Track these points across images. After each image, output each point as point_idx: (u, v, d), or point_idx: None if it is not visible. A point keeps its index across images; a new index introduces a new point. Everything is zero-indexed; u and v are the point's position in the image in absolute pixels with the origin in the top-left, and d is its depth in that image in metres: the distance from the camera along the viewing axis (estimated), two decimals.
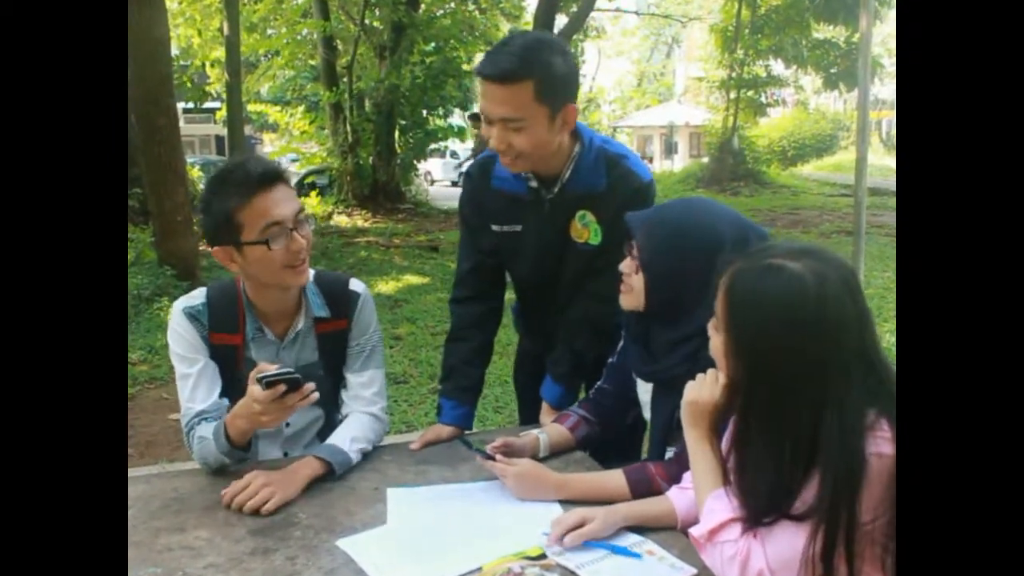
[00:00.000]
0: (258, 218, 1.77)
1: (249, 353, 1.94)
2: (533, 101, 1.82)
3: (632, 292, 1.76)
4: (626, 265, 1.77)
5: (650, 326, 1.80)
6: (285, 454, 2.03)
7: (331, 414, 2.08)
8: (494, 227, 2.14)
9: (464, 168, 2.34)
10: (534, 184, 2.04)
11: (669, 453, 1.79)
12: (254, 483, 1.70)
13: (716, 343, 1.38)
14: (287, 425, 2.01)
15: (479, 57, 21.64)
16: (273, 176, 1.80)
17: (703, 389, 1.45)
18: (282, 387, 1.66)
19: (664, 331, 1.75)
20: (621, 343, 1.98)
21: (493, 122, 1.87)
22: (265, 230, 1.78)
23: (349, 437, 1.90)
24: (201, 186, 13.62)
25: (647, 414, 1.88)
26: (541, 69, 1.80)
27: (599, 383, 2.05)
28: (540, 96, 1.82)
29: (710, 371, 1.45)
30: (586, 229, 2.06)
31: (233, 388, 1.91)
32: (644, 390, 1.88)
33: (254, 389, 1.68)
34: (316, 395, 1.72)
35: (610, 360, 2.04)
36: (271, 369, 1.68)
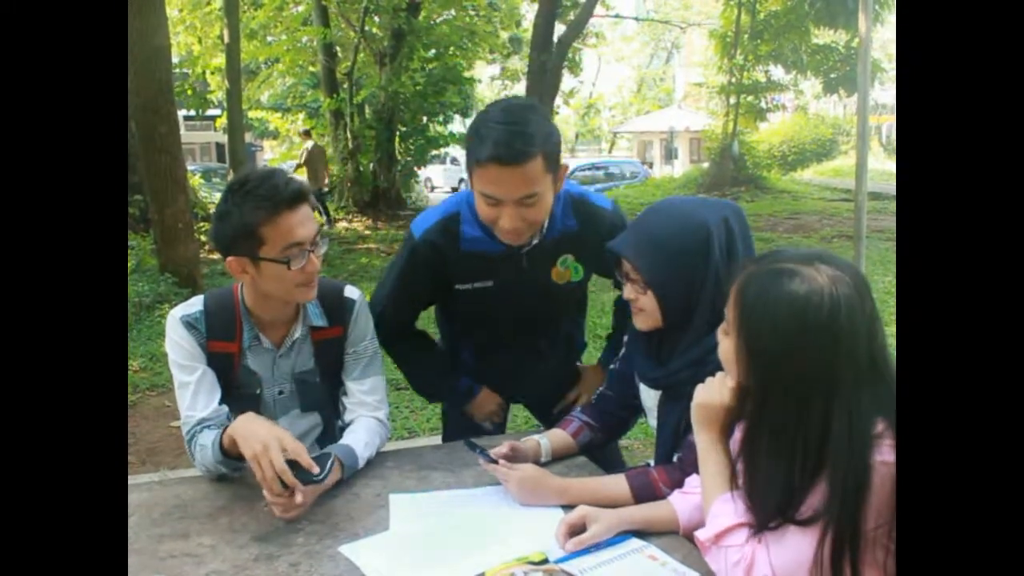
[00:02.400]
0: (281, 237, 1.77)
1: (246, 361, 1.94)
2: (544, 173, 1.82)
3: (645, 313, 1.75)
4: (629, 291, 1.76)
5: (662, 337, 1.80)
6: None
7: (329, 421, 2.08)
8: (459, 287, 2.08)
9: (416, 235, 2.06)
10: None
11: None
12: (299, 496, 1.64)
13: (726, 347, 1.38)
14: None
15: (479, 64, 21.66)
16: (301, 196, 1.81)
17: (713, 391, 1.45)
18: (297, 486, 1.62)
19: (677, 335, 1.75)
20: (624, 350, 1.99)
21: (503, 203, 1.83)
22: (286, 249, 1.78)
23: (363, 442, 1.90)
24: (202, 193, 13.73)
25: (652, 421, 1.88)
26: (543, 140, 1.80)
27: (601, 389, 2.05)
28: (548, 166, 1.82)
29: (720, 374, 1.45)
30: (567, 270, 2.11)
31: (229, 396, 1.91)
32: (649, 396, 1.88)
33: (283, 456, 1.62)
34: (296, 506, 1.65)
35: (612, 367, 2.04)
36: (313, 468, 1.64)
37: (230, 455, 1.76)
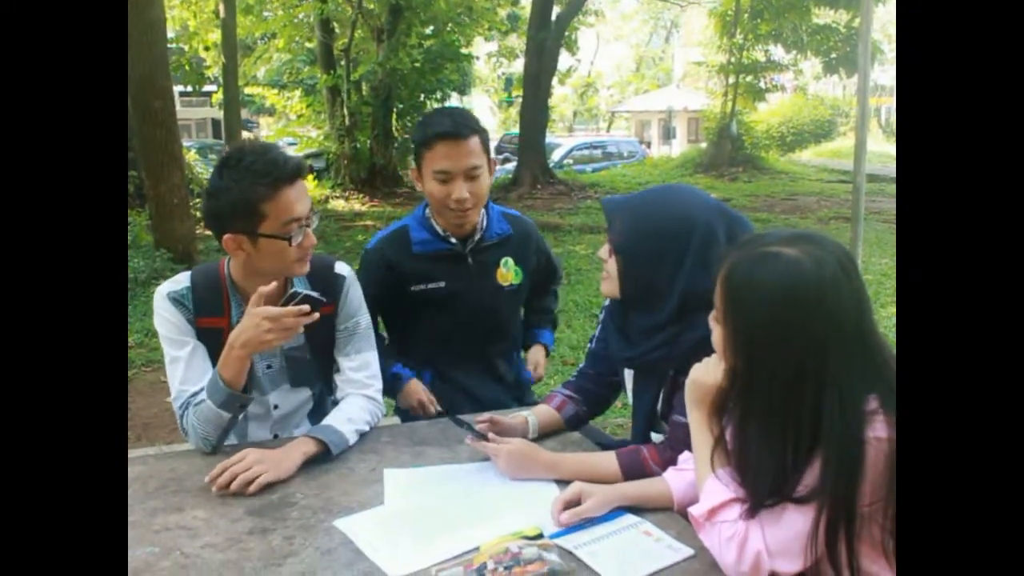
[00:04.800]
0: (282, 212, 1.77)
1: None
2: (482, 152, 2.22)
3: (609, 278, 1.78)
4: (603, 251, 1.79)
5: (627, 313, 1.81)
6: (275, 436, 2.03)
7: (321, 396, 2.08)
8: (415, 288, 2.33)
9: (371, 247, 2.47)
10: (454, 240, 2.33)
11: (657, 438, 1.80)
12: (247, 458, 1.70)
13: (716, 335, 1.38)
14: (276, 407, 2.01)
15: (477, 41, 21.54)
16: (300, 171, 1.81)
17: (708, 371, 1.45)
18: (306, 307, 1.72)
19: (640, 318, 1.76)
20: (600, 328, 2.00)
21: (454, 177, 2.19)
22: (286, 225, 1.78)
23: (345, 418, 1.90)
24: (198, 169, 13.66)
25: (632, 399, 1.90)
26: (479, 127, 2.24)
27: (581, 367, 2.09)
28: (483, 148, 2.23)
29: (715, 354, 1.45)
30: (510, 272, 2.42)
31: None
32: (629, 375, 1.89)
33: (265, 309, 1.71)
34: (316, 317, 1.76)
35: (590, 346, 2.06)
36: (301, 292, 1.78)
37: (234, 388, 1.78)
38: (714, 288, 1.35)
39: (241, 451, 1.72)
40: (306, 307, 1.72)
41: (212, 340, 1.91)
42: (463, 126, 2.19)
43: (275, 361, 1.98)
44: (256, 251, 1.81)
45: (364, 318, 2.06)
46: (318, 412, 2.05)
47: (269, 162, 1.76)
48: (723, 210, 1.73)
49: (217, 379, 1.78)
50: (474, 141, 2.19)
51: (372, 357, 2.06)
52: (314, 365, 2.02)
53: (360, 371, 2.02)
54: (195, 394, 1.84)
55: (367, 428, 1.95)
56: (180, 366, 1.87)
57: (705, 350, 1.46)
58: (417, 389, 2.35)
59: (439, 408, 2.34)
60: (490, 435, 1.76)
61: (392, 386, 2.36)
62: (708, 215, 1.69)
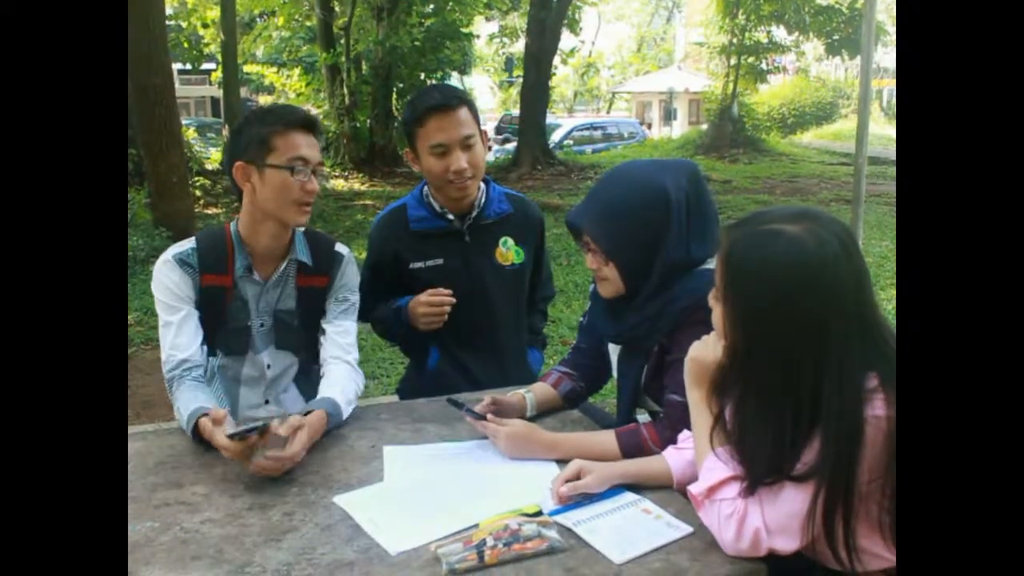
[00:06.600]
0: (290, 148, 1.90)
1: (238, 293, 1.99)
2: (473, 121, 2.22)
3: (609, 281, 1.76)
4: (591, 261, 1.77)
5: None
6: (266, 401, 2.08)
7: (305, 362, 2.13)
8: (414, 265, 2.32)
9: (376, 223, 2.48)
10: (451, 217, 2.31)
11: (643, 416, 1.80)
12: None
13: (716, 313, 1.38)
14: (268, 367, 2.06)
15: (478, 21, 21.40)
16: (313, 123, 1.98)
17: (707, 348, 1.45)
18: (253, 438, 1.61)
19: (626, 294, 1.76)
20: (591, 302, 2.00)
21: (451, 149, 2.17)
22: (292, 160, 1.89)
23: (339, 390, 1.91)
24: (197, 148, 13.64)
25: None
26: (467, 97, 2.26)
27: (575, 342, 2.10)
28: (474, 118, 2.24)
29: (715, 332, 1.45)
30: (510, 252, 2.38)
31: (220, 332, 1.98)
32: (614, 353, 1.90)
33: (223, 441, 1.62)
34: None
35: (580, 320, 2.08)
36: (240, 427, 1.64)
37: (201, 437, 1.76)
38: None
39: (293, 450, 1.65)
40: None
41: (215, 298, 1.98)
42: (451, 97, 2.21)
43: (267, 320, 2.04)
44: (261, 183, 1.90)
45: (355, 297, 2.12)
46: (302, 376, 2.12)
47: (288, 109, 1.99)
48: (666, 163, 1.78)
49: (193, 425, 1.76)
50: (464, 111, 2.20)
51: (354, 328, 2.11)
52: (300, 333, 2.06)
53: (343, 336, 2.06)
54: (183, 362, 1.89)
55: (355, 399, 1.99)
56: (171, 330, 1.92)
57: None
58: (417, 300, 2.25)
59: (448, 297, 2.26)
60: (488, 416, 1.76)
61: (400, 319, 2.29)
62: (669, 173, 1.70)
